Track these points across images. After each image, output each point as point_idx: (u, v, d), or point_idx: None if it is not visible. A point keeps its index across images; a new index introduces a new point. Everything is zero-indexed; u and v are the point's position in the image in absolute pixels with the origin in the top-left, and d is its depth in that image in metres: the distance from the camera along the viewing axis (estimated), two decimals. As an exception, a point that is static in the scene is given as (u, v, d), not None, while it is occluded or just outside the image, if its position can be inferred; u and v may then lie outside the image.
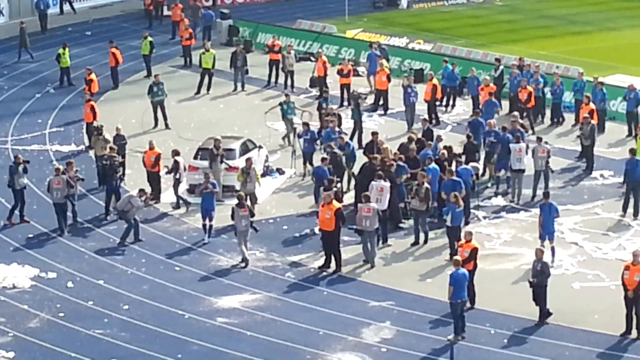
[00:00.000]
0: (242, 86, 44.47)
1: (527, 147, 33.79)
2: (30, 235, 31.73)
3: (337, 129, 36.14)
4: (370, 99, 42.77)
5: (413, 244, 30.73)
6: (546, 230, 29.19)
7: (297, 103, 40.99)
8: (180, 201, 33.75)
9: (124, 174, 33.43)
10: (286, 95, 40.64)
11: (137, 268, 29.59)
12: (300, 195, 34.55)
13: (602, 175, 35.03)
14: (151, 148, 34.24)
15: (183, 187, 34.56)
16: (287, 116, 38.48)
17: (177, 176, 33.50)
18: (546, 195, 30.62)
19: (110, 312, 26.76)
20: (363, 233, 29.55)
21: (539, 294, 25.41)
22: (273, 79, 45.49)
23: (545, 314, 25.47)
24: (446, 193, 30.36)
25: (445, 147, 33.81)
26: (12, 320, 25.50)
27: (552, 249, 29.15)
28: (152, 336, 25.58)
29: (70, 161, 33.25)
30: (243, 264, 29.81)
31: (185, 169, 33.83)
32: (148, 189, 33.34)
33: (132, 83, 43.03)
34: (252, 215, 30.21)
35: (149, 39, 47.10)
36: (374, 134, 35.63)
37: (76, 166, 34.93)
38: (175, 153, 34.08)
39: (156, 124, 39.89)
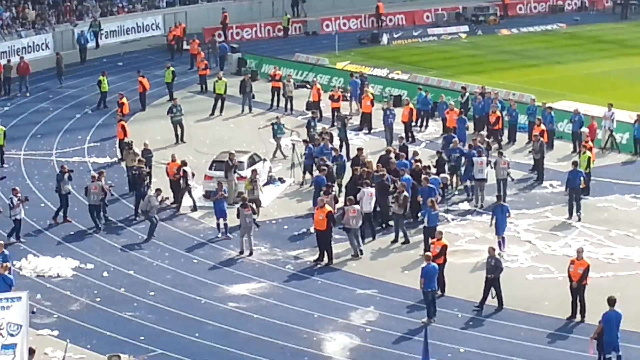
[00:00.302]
0: (249, 109, 44.25)
1: (488, 160, 33.78)
2: (72, 233, 31.70)
3: (329, 145, 36.12)
4: (355, 119, 42.68)
5: (393, 242, 30.74)
6: (500, 227, 29.46)
7: (295, 124, 41.13)
8: (195, 204, 33.75)
9: (150, 181, 33.38)
10: (277, 117, 40.60)
11: (161, 260, 29.60)
12: (298, 200, 34.51)
13: (551, 185, 35.05)
14: (173, 160, 34.18)
15: (199, 193, 34.55)
16: (277, 135, 38.39)
17: (187, 183, 33.45)
18: (498, 198, 31.10)
19: (138, 298, 26.88)
20: (350, 230, 29.64)
21: (495, 285, 25.54)
22: (275, 103, 45.27)
23: (499, 301, 25.70)
24: (423, 198, 30.34)
25: (416, 161, 33.79)
26: (56, 304, 25.55)
27: (503, 239, 29.44)
28: (174, 318, 25.70)
29: (102, 171, 33.31)
30: (247, 254, 29.95)
31: (192, 176, 33.84)
32: (168, 192, 33.55)
33: (157, 106, 43.04)
34: (254, 213, 30.42)
35: (171, 69, 46.91)
36: (359, 149, 35.62)
37: (110, 175, 35.36)
38: (184, 164, 33.96)
39: (177, 141, 39.79)
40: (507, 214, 30.18)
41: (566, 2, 64.02)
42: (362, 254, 29.75)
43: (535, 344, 24.06)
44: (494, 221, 29.70)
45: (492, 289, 25.66)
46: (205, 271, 28.99)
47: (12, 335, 20.09)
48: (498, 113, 39.14)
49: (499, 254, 26.82)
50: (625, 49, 53.70)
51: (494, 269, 25.42)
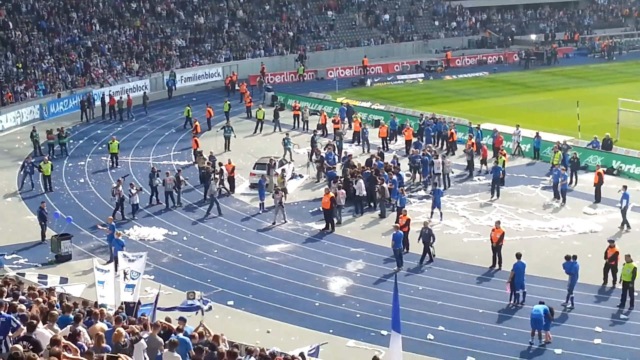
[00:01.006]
0: (279, 129, 43.82)
1: (441, 162, 33.59)
2: (162, 211, 31.70)
3: (334, 152, 36.42)
4: (348, 134, 42.60)
5: (380, 217, 30.63)
6: (437, 203, 29.77)
7: (307, 139, 40.75)
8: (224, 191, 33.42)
9: (214, 177, 32.70)
10: (286, 133, 40.58)
11: (221, 229, 29.59)
12: (313, 190, 34.24)
13: (479, 179, 34.97)
14: (229, 162, 34.19)
15: (246, 185, 34.39)
16: (287, 146, 38.12)
17: (222, 177, 33.27)
18: (435, 184, 32.11)
19: (207, 254, 27.07)
20: (338, 205, 29.85)
21: (428, 249, 25.83)
22: (296, 125, 44.94)
23: (430, 257, 25.94)
24: (394, 187, 30.51)
25: (386, 164, 33.82)
26: (152, 259, 25.54)
27: (441, 214, 29.73)
28: (230, 267, 25.97)
29: (167, 172, 33.06)
30: (280, 224, 29.96)
31: (225, 173, 33.65)
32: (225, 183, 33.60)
33: (218, 127, 43.01)
34: (284, 197, 30.65)
35: (228, 102, 46.99)
36: (350, 155, 35.47)
37: (187, 172, 35.53)
38: (220, 164, 34.23)
39: (225, 149, 39.64)
40: (441, 195, 30.64)
41: (488, 57, 63.92)
42: (340, 223, 29.80)
43: (468, 284, 24.37)
44: (433, 199, 30.16)
45: (431, 248, 25.86)
46: (251, 236, 29.02)
47: (133, 279, 20.65)
48: (453, 131, 38.87)
49: (432, 225, 27.11)
50: (527, 88, 53.70)
51: (427, 237, 25.72)
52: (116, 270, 21.89)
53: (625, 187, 29.11)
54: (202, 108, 47.03)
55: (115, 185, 31.03)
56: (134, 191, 30.67)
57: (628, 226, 28.31)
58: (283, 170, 33.67)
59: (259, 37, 61.43)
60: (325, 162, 35.00)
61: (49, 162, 34.86)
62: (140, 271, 20.87)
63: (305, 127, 45.04)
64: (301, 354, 17.42)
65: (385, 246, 26.83)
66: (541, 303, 20.47)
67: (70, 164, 38.32)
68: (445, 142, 39.76)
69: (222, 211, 31.07)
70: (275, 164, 34.28)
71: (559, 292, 22.60)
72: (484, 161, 36.14)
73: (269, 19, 63.38)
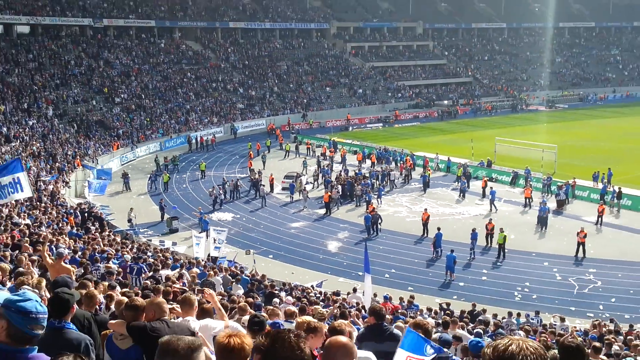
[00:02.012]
0: (299, 156, 42.95)
1: (395, 174, 33.33)
2: (230, 204, 30.89)
3: (328, 168, 36.05)
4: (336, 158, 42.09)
5: (356, 206, 30.03)
6: (381, 197, 29.45)
7: (314, 161, 39.64)
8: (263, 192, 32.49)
9: (262, 183, 32.12)
10: (305, 157, 39.94)
11: (265, 214, 28.98)
12: (319, 191, 33.29)
13: (414, 184, 33.83)
14: (270, 175, 33.65)
15: (280, 188, 33.01)
16: (304, 165, 37.03)
17: (258, 184, 31.95)
18: (384, 185, 31.55)
19: (257, 228, 26.36)
20: (334, 199, 29.23)
21: (377, 225, 25.20)
22: (308, 153, 43.82)
23: (377, 230, 25.09)
24: (365, 189, 30.00)
25: (360, 176, 33.01)
26: (232, 226, 23.87)
27: (380, 202, 29.15)
28: (270, 236, 25.21)
29: (232, 180, 32.73)
30: (302, 208, 29.28)
31: (260, 181, 32.12)
32: (267, 188, 32.64)
33: (260, 155, 42.70)
34: (307, 194, 29.98)
35: (268, 140, 46.47)
36: (339, 171, 35.14)
37: (244, 181, 34.70)
38: (258, 174, 32.79)
39: (263, 167, 37.69)
40: (384, 192, 30.43)
41: (420, 114, 63.30)
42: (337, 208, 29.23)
43: (409, 245, 24.00)
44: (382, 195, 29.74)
45: (378, 225, 25.21)
46: (282, 217, 28.46)
47: (219, 244, 20.51)
48: (409, 158, 37.25)
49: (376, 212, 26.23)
50: (442, 132, 52.83)
51: (375, 219, 25.20)
52: (207, 238, 21.85)
53: (491, 187, 29.92)
54: (253, 143, 46.57)
55: (210, 190, 30.69)
56: (221, 190, 30.32)
57: (496, 209, 28.05)
58: (300, 179, 32.68)
59: (286, 102, 61.34)
60: (325, 174, 34.62)
61: (167, 175, 35.07)
62: (223, 239, 20.89)
63: (314, 154, 44.30)
64: (311, 286, 17.36)
65: (360, 223, 26.51)
66: (451, 251, 20.39)
67: (177, 176, 37.95)
68: (396, 164, 38.15)
69: (265, 203, 30.47)
70: (299, 175, 33.44)
71: (464, 250, 22.27)
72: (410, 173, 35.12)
73: (292, 92, 63.30)
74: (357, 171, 35.70)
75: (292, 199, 30.84)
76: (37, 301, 2.50)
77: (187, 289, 8.55)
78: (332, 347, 2.49)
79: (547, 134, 46.25)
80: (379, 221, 25.26)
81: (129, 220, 26.04)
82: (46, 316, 2.52)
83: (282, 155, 44.66)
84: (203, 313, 5.02)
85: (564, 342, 3.35)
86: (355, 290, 16.19)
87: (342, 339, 2.57)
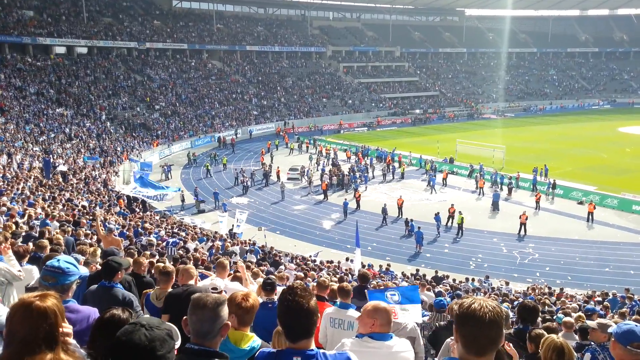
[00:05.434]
0: (301, 152, 42.29)
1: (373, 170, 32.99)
2: (245, 191, 29.98)
3: (324, 163, 35.26)
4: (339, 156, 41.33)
5: (346, 192, 29.39)
6: (365, 181, 29.19)
7: (313, 157, 38.86)
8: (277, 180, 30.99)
9: (271, 173, 31.61)
10: (310, 155, 38.99)
11: (274, 198, 28.21)
12: (315, 180, 32.79)
13: (391, 179, 33.26)
14: (277, 167, 33.12)
15: (285, 178, 31.90)
16: (310, 159, 36.58)
17: (269, 175, 31.47)
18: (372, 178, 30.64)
19: (267, 210, 25.77)
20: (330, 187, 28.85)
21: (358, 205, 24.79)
22: (308, 151, 43.30)
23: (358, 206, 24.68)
24: (353, 179, 29.74)
25: (333, 164, 32.62)
26: (247, 209, 23.75)
27: (366, 187, 28.75)
28: (278, 215, 24.71)
29: (242, 168, 32.00)
30: (306, 194, 28.67)
31: (272, 171, 31.52)
32: (274, 177, 31.83)
33: (276, 155, 41.97)
34: (310, 182, 29.31)
35: (277, 141, 45.59)
36: (333, 164, 34.27)
37: (258, 172, 33.59)
38: (269, 168, 32.23)
39: (271, 162, 36.38)
40: (365, 186, 29.71)
41: (397, 120, 62.82)
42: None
43: (387, 224, 23.71)
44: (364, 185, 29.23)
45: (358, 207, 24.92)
46: (288, 201, 27.85)
47: (240, 222, 20.15)
48: (389, 157, 36.09)
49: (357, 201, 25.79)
50: (415, 135, 52.14)
51: (356, 205, 24.87)
52: (227, 218, 21.71)
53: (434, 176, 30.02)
54: (265, 142, 45.73)
55: (237, 175, 30.34)
56: (242, 178, 29.81)
57: (436, 192, 28.05)
58: (303, 170, 32.10)
59: (291, 110, 60.87)
60: (320, 167, 34.06)
61: (208, 164, 34.84)
62: (244, 219, 20.75)
63: (313, 151, 43.66)
64: (310, 256, 17.34)
65: (351, 207, 26.07)
66: (419, 228, 20.42)
67: (212, 167, 36.59)
68: (383, 161, 36.79)
69: (269, 182, 29.80)
70: (303, 167, 32.53)
71: (431, 229, 22.12)
72: (393, 167, 34.77)
73: (296, 102, 62.83)
74: (334, 161, 35.01)
75: (304, 180, 29.86)
76: (59, 260, 2.48)
77: (215, 257, 8.50)
78: (376, 310, 2.54)
79: (497, 137, 46.11)
80: (357, 205, 24.97)
81: (196, 195, 25.72)
82: (60, 272, 2.46)
83: (286, 152, 44.01)
84: (234, 279, 5.31)
85: (524, 302, 3.50)
86: (347, 259, 16.22)
87: (382, 303, 2.58)
